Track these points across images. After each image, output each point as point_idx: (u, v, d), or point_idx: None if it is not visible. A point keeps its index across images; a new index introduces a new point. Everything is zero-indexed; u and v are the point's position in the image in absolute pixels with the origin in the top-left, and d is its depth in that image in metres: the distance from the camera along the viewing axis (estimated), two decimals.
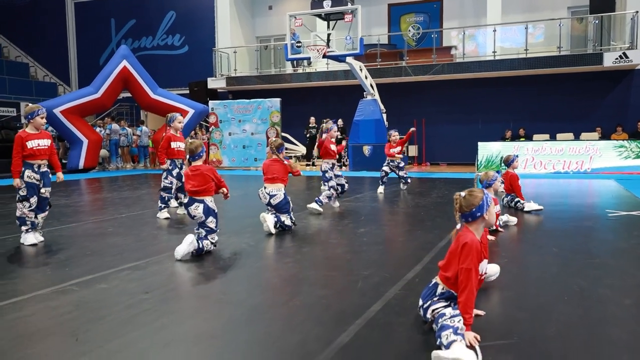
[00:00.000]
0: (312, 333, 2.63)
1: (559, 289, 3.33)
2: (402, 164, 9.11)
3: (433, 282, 2.74)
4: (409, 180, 9.17)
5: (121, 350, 2.44)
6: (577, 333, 2.61)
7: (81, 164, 14.87)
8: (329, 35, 13.58)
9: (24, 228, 4.95)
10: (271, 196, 5.43)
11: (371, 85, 14.81)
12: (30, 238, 4.92)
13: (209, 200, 4.47)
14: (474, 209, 2.60)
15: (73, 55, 23.16)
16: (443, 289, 2.66)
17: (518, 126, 16.11)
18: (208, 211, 4.43)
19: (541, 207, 6.52)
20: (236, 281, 3.66)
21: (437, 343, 2.37)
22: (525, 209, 6.48)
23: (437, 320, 2.52)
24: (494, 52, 15.89)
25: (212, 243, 4.42)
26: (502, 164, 6.99)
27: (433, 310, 2.62)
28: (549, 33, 16.21)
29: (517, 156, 6.88)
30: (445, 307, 2.58)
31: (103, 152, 16.24)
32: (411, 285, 3.41)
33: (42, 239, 5.03)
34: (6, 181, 12.45)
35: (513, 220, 5.68)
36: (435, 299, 2.66)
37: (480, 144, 13.52)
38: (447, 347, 2.29)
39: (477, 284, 2.59)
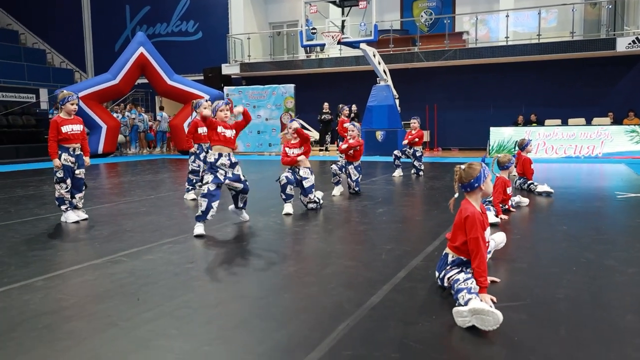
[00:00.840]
0: (345, 295, 2.95)
1: (568, 260, 3.62)
2: (419, 154, 9.30)
3: (444, 253, 3.05)
4: (420, 173, 9.23)
5: (178, 308, 2.78)
6: (584, 296, 2.91)
7: (100, 149, 15.29)
8: (343, 21, 13.74)
9: (63, 207, 5.32)
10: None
11: (384, 71, 14.99)
12: (72, 216, 5.29)
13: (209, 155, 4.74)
14: (472, 180, 2.89)
15: (89, 42, 23.50)
16: (453, 256, 2.96)
17: (530, 111, 16.23)
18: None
19: (552, 190, 6.76)
20: (270, 253, 3.98)
21: (456, 304, 2.67)
22: (537, 190, 6.73)
23: (453, 286, 2.83)
24: (507, 37, 15.94)
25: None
26: (516, 147, 7.24)
27: (448, 278, 2.93)
28: (562, 18, 16.22)
29: (530, 140, 7.14)
30: (458, 272, 2.88)
31: (120, 137, 16.64)
32: (431, 257, 3.71)
33: (85, 216, 5.40)
34: (32, 165, 12.90)
35: (525, 201, 5.95)
36: (448, 267, 2.97)
37: (492, 129, 13.70)
38: (465, 304, 2.60)
39: (485, 249, 2.90)
